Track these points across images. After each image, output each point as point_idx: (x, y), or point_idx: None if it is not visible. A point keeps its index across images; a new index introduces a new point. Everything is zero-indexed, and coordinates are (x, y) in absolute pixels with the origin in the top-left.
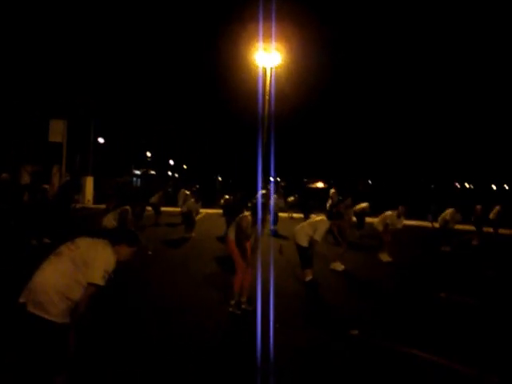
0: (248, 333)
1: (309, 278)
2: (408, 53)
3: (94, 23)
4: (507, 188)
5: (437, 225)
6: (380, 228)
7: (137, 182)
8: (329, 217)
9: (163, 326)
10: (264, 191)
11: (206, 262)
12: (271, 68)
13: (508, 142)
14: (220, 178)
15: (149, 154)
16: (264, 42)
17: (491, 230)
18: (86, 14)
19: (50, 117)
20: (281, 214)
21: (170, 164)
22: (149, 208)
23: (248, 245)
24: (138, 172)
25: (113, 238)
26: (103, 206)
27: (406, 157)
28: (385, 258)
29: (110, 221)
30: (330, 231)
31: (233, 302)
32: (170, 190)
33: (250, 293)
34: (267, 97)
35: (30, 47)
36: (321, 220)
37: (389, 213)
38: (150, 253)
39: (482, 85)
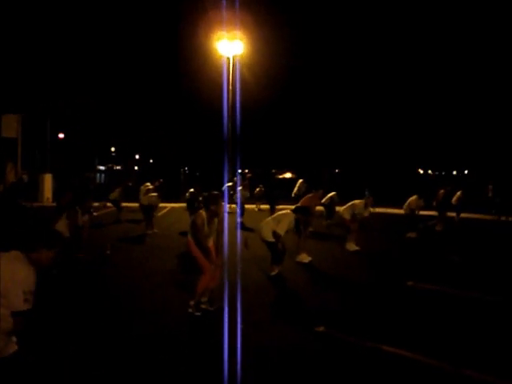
0: (212, 334)
1: (274, 272)
2: (373, 37)
3: (47, 11)
4: (467, 173)
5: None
6: (347, 216)
7: (101, 177)
8: (295, 210)
9: (119, 330)
10: (230, 183)
11: (167, 260)
12: (234, 56)
13: (468, 127)
14: (187, 171)
15: (113, 149)
16: (227, 30)
17: (454, 214)
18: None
19: (4, 111)
20: (248, 206)
21: (135, 158)
22: (109, 204)
23: (210, 243)
24: (102, 167)
25: (27, 244)
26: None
27: (372, 144)
28: (352, 247)
29: (62, 227)
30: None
31: (192, 303)
32: (130, 184)
33: (213, 292)
34: (231, 87)
35: None
36: (285, 213)
37: (356, 202)
38: (108, 252)
39: (448, 72)
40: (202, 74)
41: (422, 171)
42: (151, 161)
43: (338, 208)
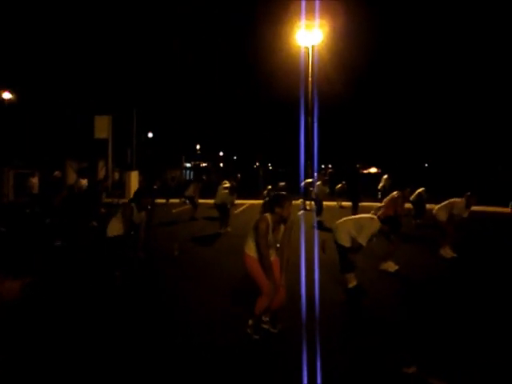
0: (272, 364)
1: (352, 283)
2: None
3: (132, 17)
4: None
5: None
6: (443, 218)
7: (188, 174)
8: (383, 220)
9: (165, 342)
10: (310, 180)
11: (238, 264)
12: (313, 46)
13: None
14: (270, 167)
15: (198, 147)
16: (307, 19)
17: None
18: (126, 10)
19: (95, 113)
20: (328, 203)
21: (219, 155)
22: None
23: (273, 256)
24: (188, 165)
25: None
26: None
27: (467, 135)
28: (448, 253)
29: (116, 224)
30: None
31: (251, 322)
32: (204, 178)
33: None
34: (310, 78)
35: (72, 47)
36: (369, 219)
37: (456, 200)
38: (176, 253)
39: None
40: (280, 66)
41: None
42: (235, 157)
43: (428, 206)
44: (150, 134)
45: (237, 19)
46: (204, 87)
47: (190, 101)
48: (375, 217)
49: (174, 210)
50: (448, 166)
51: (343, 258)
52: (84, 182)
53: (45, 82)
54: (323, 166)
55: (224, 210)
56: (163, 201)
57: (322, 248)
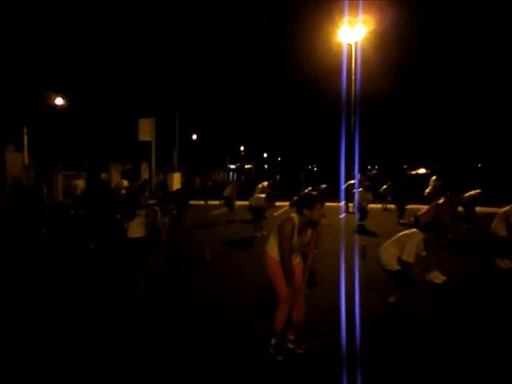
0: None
1: (394, 299)
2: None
3: (170, 19)
4: None
5: None
6: (502, 232)
7: (233, 176)
8: (425, 228)
9: (175, 365)
10: (352, 181)
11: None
12: (356, 43)
13: None
14: (314, 168)
15: (242, 148)
16: (349, 15)
17: None
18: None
19: (139, 116)
20: (373, 206)
21: (263, 157)
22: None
23: (296, 261)
24: (232, 166)
25: None
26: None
27: None
28: (505, 263)
29: (137, 226)
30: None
31: (274, 342)
32: (242, 177)
33: (303, 327)
34: (353, 76)
35: (114, 51)
36: (409, 234)
37: (508, 208)
38: (208, 258)
39: None
40: (323, 63)
41: None
42: (279, 158)
43: (481, 209)
44: (195, 136)
45: (275, 17)
46: (247, 87)
47: (233, 102)
48: (415, 229)
49: (212, 212)
50: (504, 166)
51: (401, 281)
52: (125, 182)
53: (90, 87)
54: (369, 167)
55: (259, 212)
56: (202, 202)
57: (362, 254)
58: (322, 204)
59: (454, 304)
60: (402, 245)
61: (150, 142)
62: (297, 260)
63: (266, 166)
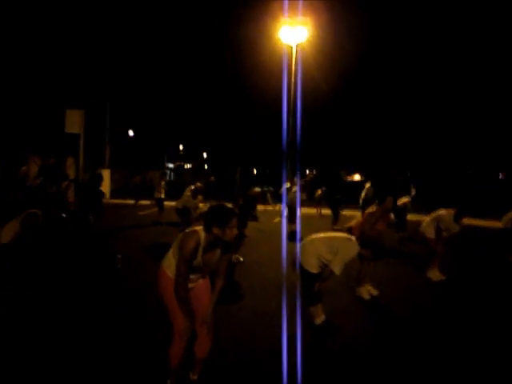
0: None
1: (320, 318)
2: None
3: (111, 9)
4: None
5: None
6: (431, 235)
7: (170, 175)
8: (361, 244)
9: None
10: (289, 185)
11: None
12: (297, 45)
13: None
14: (253, 171)
15: (181, 147)
16: (289, 16)
17: None
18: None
19: (68, 107)
20: (308, 211)
21: (203, 156)
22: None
23: (201, 283)
24: (171, 165)
25: None
26: (121, 201)
27: (449, 146)
28: (435, 275)
29: (9, 230)
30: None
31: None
32: (165, 179)
33: (210, 360)
34: (293, 79)
35: (43, 37)
36: (347, 240)
37: (442, 212)
38: (119, 266)
39: None
40: (263, 65)
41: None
42: (218, 159)
43: (412, 217)
44: (131, 133)
45: (218, 15)
46: (185, 86)
47: (171, 99)
48: (353, 238)
49: (140, 213)
50: (434, 174)
51: (308, 286)
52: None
53: (11, 71)
54: (308, 172)
55: (185, 214)
56: (132, 202)
57: (293, 264)
58: (236, 221)
59: (389, 326)
60: (336, 250)
61: (78, 135)
62: (201, 281)
63: (205, 167)
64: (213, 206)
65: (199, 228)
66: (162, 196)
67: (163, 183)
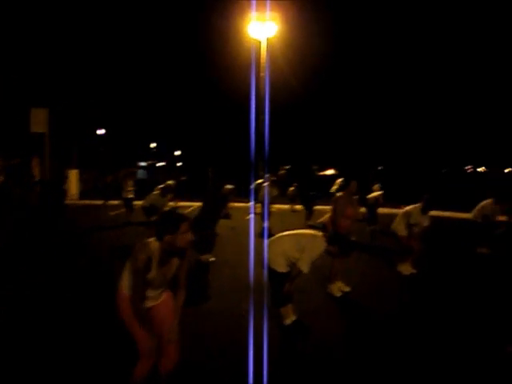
0: None
1: (290, 318)
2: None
3: (77, 6)
4: None
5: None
6: (403, 233)
7: (140, 174)
8: (328, 240)
9: None
10: (260, 181)
11: None
12: (266, 40)
13: None
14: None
15: (154, 145)
16: (258, 10)
17: None
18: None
19: (33, 106)
20: (280, 206)
21: (175, 155)
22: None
23: (163, 299)
24: (143, 164)
25: None
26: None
27: (416, 140)
28: (406, 269)
29: None
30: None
31: None
32: (133, 178)
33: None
34: (262, 73)
35: (7, 35)
36: (313, 237)
37: (409, 208)
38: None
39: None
40: (232, 60)
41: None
42: (191, 157)
43: (384, 210)
44: (101, 131)
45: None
46: (156, 84)
47: (142, 97)
48: (319, 234)
49: (111, 213)
50: (403, 168)
51: (277, 286)
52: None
53: None
54: (280, 168)
55: (152, 213)
56: (101, 202)
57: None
58: (188, 226)
59: (357, 319)
60: (302, 248)
61: (43, 134)
62: (164, 297)
63: (178, 165)
64: (162, 214)
65: (152, 239)
66: (130, 196)
67: (131, 182)
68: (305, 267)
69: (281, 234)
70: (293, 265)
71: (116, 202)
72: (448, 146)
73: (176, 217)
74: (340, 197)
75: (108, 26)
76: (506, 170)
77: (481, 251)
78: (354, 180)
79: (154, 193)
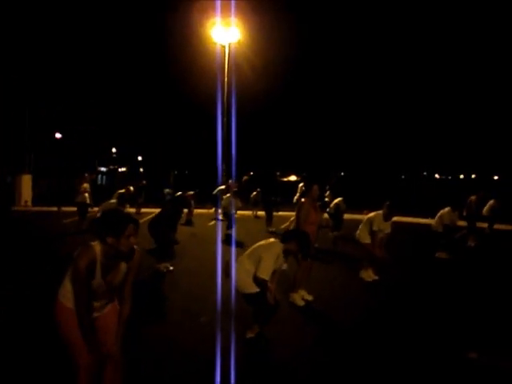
0: None
1: (252, 333)
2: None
3: (33, 9)
4: (497, 178)
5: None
6: (367, 240)
7: (102, 179)
8: (283, 237)
9: None
10: (223, 187)
11: None
12: (230, 44)
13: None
14: (186, 172)
15: (114, 150)
16: (222, 16)
17: (485, 225)
18: None
19: None
20: (243, 212)
21: (137, 160)
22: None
23: (107, 311)
24: (103, 169)
25: None
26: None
27: (376, 147)
28: (368, 275)
29: None
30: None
31: None
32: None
33: None
34: (226, 78)
35: None
36: (267, 244)
37: (371, 215)
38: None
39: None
40: (196, 65)
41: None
42: (153, 162)
43: (348, 216)
44: (58, 135)
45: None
46: (116, 87)
47: (103, 101)
48: (273, 239)
49: (65, 221)
50: (364, 174)
51: (260, 307)
52: None
53: None
54: (244, 176)
55: None
56: (55, 209)
57: (225, 272)
58: (134, 228)
59: (312, 324)
60: (258, 259)
61: None
62: (108, 309)
63: (141, 170)
64: (105, 213)
65: (94, 242)
66: (85, 201)
67: (86, 185)
68: (264, 274)
69: (241, 257)
70: (256, 279)
71: (72, 209)
72: (407, 151)
73: (120, 217)
74: (303, 202)
75: (68, 28)
76: (496, 177)
77: (440, 256)
78: (315, 184)
79: (111, 201)
